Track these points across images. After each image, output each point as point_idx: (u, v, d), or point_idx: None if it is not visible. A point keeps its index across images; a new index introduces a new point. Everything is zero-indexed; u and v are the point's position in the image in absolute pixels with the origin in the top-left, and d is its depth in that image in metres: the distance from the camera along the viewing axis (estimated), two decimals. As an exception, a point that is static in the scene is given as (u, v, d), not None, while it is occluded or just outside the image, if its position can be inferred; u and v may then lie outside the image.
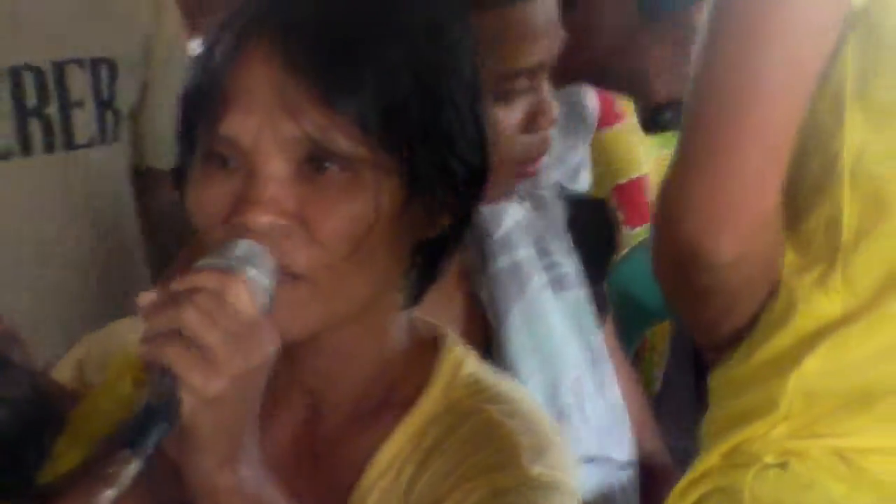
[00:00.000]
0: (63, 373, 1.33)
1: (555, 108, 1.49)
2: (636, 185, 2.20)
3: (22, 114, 2.12)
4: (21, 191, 2.14)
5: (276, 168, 1.09)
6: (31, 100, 2.11)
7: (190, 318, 0.99)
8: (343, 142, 1.10)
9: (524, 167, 1.49)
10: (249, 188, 1.09)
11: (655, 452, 1.72)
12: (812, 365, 1.26)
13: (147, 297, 1.05)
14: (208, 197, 1.13)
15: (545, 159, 1.53)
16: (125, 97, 2.24)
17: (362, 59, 1.12)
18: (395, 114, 1.11)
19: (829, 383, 1.26)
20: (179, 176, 1.19)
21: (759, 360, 1.29)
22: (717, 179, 1.23)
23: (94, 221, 2.21)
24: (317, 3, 1.18)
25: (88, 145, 2.20)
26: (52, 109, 2.14)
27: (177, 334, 1.00)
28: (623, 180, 2.20)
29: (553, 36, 1.51)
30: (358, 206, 1.10)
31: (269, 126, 1.09)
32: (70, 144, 2.16)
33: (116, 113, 2.24)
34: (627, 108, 2.16)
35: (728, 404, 1.33)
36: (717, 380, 1.33)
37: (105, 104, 2.21)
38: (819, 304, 1.26)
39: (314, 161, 1.10)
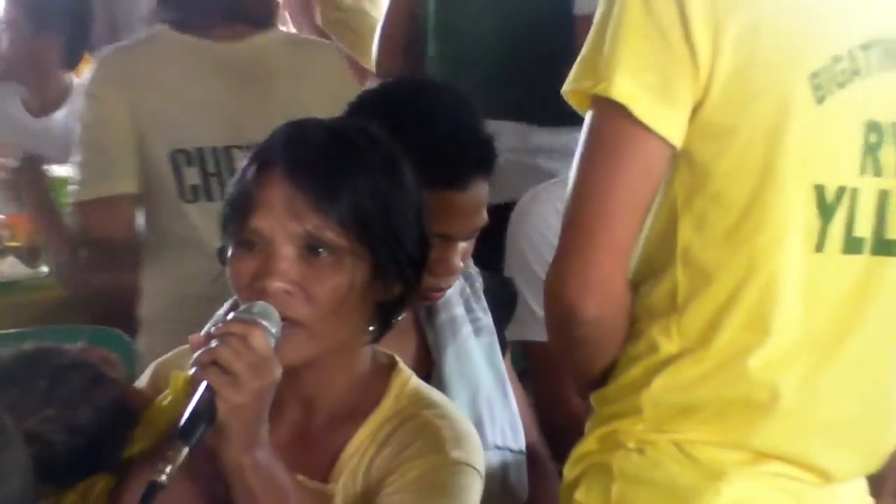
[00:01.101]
0: (143, 383, 1.89)
1: (458, 262, 2.12)
2: None
3: None
4: None
5: (285, 252, 1.65)
6: None
7: (224, 353, 1.54)
8: (331, 236, 1.66)
9: (430, 294, 2.11)
10: (268, 264, 1.65)
11: (536, 443, 2.38)
12: (659, 385, 1.71)
13: (196, 337, 1.62)
14: (240, 269, 1.68)
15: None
16: None
17: (342, 183, 1.68)
18: (364, 220, 1.68)
19: (669, 397, 1.71)
20: (222, 254, 1.72)
21: (624, 382, 1.75)
22: (583, 265, 1.69)
23: None
24: (313, 144, 1.74)
25: None
26: None
27: (215, 363, 1.54)
28: None
29: (479, 218, 2.14)
30: (340, 279, 1.67)
31: (281, 224, 1.65)
32: None
33: None
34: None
35: (603, 409, 1.78)
36: (595, 396, 1.79)
37: None
38: (663, 345, 1.72)
39: (311, 248, 1.66)
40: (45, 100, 4.14)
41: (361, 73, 4.06)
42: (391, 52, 3.32)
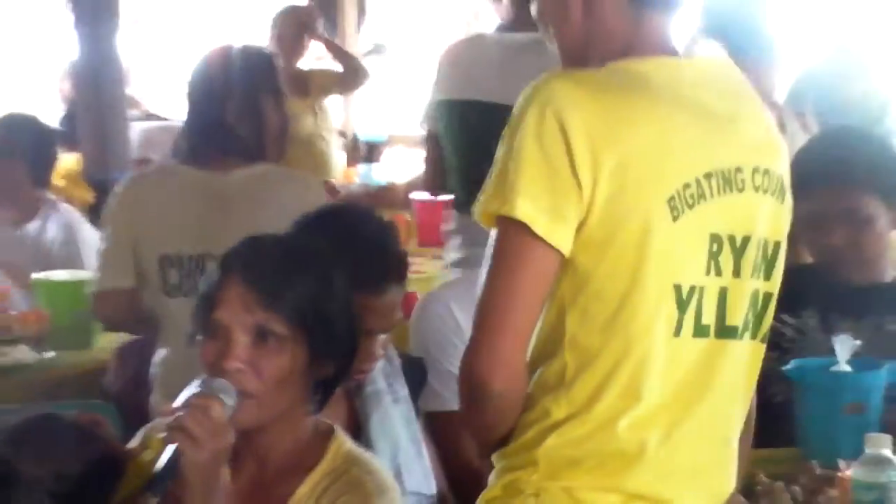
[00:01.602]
0: (135, 443, 2.25)
1: (379, 350, 2.68)
2: None
3: None
4: None
5: (240, 338, 2.07)
6: None
7: (187, 421, 1.96)
8: (276, 327, 2.08)
9: (357, 374, 2.62)
10: (226, 348, 2.08)
11: (443, 489, 2.92)
12: (550, 443, 2.06)
13: (167, 408, 2.04)
14: (205, 352, 2.11)
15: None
16: None
17: (286, 286, 2.11)
18: (303, 315, 2.10)
19: (559, 453, 2.06)
20: (192, 339, 2.16)
21: (522, 441, 2.09)
22: (492, 350, 2.04)
23: None
24: (265, 254, 2.20)
25: None
26: None
27: (181, 428, 1.95)
28: None
29: (394, 316, 2.73)
30: (283, 360, 2.10)
31: (237, 316, 2.08)
32: None
33: None
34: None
35: (504, 463, 2.14)
36: (498, 454, 2.15)
37: None
38: (554, 412, 2.07)
39: (260, 335, 2.07)
40: (18, 214, 4.65)
41: (332, 191, 4.76)
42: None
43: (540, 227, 1.95)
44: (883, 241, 3.24)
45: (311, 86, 6.54)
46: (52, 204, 4.77)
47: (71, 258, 4.51)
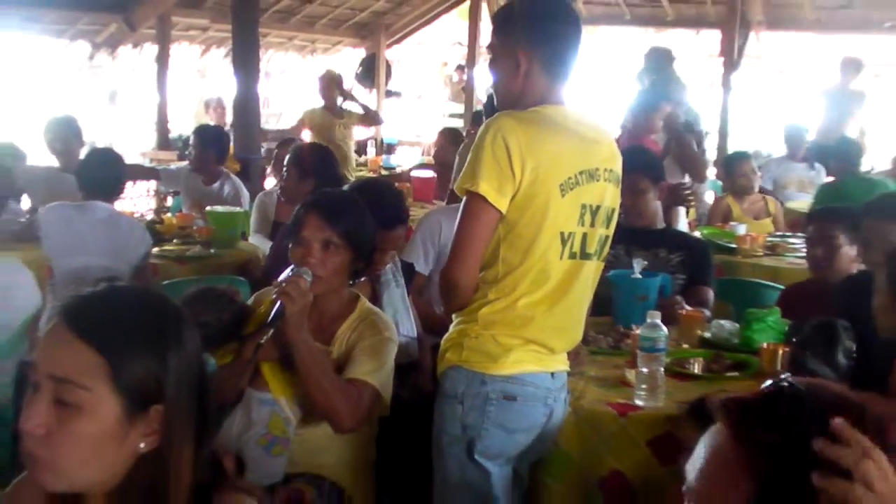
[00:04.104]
0: (250, 301, 3.41)
1: (387, 259, 3.91)
2: None
3: None
4: None
5: (315, 246, 3.28)
6: None
7: (287, 287, 3.08)
8: (335, 240, 3.28)
9: (375, 270, 3.86)
10: (307, 251, 3.26)
11: (421, 334, 4.14)
12: (484, 311, 3.00)
13: (276, 282, 3.15)
14: (295, 252, 3.27)
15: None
16: None
17: (341, 218, 3.30)
18: (350, 235, 3.29)
19: (489, 317, 3.01)
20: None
21: (470, 309, 3.03)
22: (461, 265, 2.98)
23: None
24: (330, 199, 3.34)
25: None
26: None
27: (283, 292, 3.07)
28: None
29: (400, 241, 4.24)
30: (338, 259, 3.31)
31: (313, 234, 3.27)
32: None
33: None
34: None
35: (459, 318, 3.04)
36: (457, 316, 3.11)
37: None
38: (489, 295, 3.02)
39: (326, 245, 3.28)
40: (209, 179, 7.41)
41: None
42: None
43: (490, 197, 2.93)
44: (652, 204, 4.65)
45: (345, 114, 10.33)
46: (227, 174, 7.42)
47: (236, 204, 7.00)
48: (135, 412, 1.71)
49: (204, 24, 12.54)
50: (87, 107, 12.96)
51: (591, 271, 3.21)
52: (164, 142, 11.43)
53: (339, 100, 10.44)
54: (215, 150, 7.38)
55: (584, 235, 3.12)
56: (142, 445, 1.73)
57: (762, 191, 8.20)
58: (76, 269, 4.97)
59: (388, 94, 15.04)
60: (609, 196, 3.18)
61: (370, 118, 11.01)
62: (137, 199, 8.83)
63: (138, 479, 1.73)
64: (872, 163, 9.15)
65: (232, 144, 8.07)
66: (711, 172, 10.84)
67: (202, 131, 7.70)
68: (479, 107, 13.17)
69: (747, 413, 1.48)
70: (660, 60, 9.13)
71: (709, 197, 8.53)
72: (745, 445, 1.46)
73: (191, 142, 7.63)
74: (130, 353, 1.71)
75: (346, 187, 4.32)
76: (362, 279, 3.59)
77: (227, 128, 9.47)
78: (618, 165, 3.23)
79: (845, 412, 1.40)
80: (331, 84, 10.30)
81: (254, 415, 3.19)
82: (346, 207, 3.37)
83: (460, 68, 15.38)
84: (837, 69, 10.95)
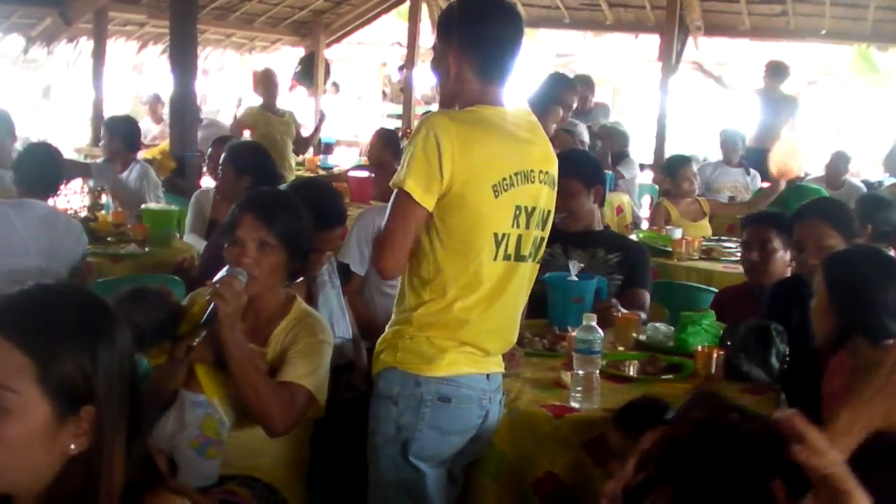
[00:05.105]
0: (185, 302, 3.37)
1: (324, 260, 3.92)
2: None
3: None
4: None
5: (250, 246, 3.23)
6: None
7: (220, 289, 3.05)
8: (271, 240, 3.25)
9: (312, 270, 3.80)
10: (242, 251, 3.24)
11: (356, 336, 4.12)
12: (419, 312, 3.07)
13: (210, 282, 3.12)
14: (229, 252, 3.24)
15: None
16: None
17: (277, 218, 3.26)
18: (286, 235, 3.27)
19: (423, 319, 3.05)
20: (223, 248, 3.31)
21: (404, 309, 3.12)
22: (390, 257, 3.04)
23: None
24: (266, 199, 3.36)
25: None
26: None
27: (217, 294, 3.05)
28: None
29: (336, 241, 4.20)
30: (273, 259, 3.28)
31: (248, 234, 3.25)
32: None
33: None
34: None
35: (394, 319, 3.13)
36: (392, 318, 3.22)
37: None
38: (423, 296, 3.07)
39: (261, 245, 3.25)
40: (122, 167, 7.54)
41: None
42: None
43: (416, 195, 2.98)
44: (586, 207, 4.69)
45: (284, 113, 10.22)
46: (138, 161, 7.59)
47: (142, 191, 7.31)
48: (65, 413, 1.68)
49: (141, 20, 12.41)
50: (20, 102, 12.78)
51: (526, 273, 3.23)
52: (99, 138, 11.27)
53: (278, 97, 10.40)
54: (122, 137, 7.55)
55: (519, 237, 3.14)
56: (72, 447, 1.70)
57: (693, 193, 8.30)
58: (11, 269, 4.85)
59: (335, 86, 15.56)
60: (544, 198, 3.21)
61: (300, 146, 10.86)
62: (72, 197, 8.73)
63: (68, 480, 1.70)
64: (806, 169, 9.26)
65: (168, 142, 7.97)
66: (647, 176, 11.01)
67: (110, 121, 7.94)
68: (418, 107, 13.23)
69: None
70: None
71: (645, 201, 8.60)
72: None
73: (101, 133, 7.95)
74: (59, 353, 1.68)
75: (284, 187, 4.32)
76: (299, 280, 3.58)
77: (162, 124, 9.40)
78: (553, 168, 3.27)
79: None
80: (267, 82, 10.24)
81: (187, 417, 3.19)
82: (282, 207, 3.37)
83: (401, 69, 15.41)
84: (762, 73, 11.07)
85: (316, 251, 3.65)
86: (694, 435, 1.52)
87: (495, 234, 3.08)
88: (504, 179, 3.06)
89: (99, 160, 8.14)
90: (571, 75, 9.13)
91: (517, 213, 3.12)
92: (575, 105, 7.06)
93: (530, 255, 3.21)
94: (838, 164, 9.26)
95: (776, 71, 10.93)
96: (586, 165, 4.97)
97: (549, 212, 3.25)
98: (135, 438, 1.78)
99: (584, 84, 9.68)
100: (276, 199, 3.46)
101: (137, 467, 1.77)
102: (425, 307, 3.10)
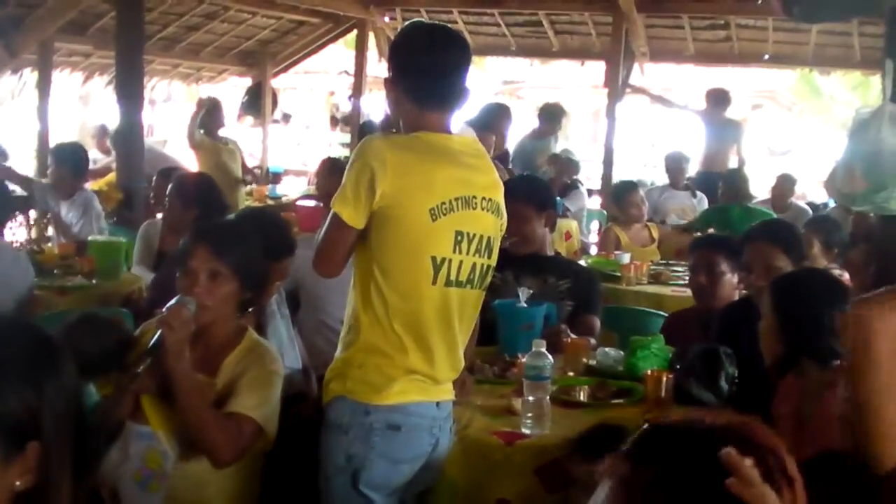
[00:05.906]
0: (137, 332, 3.38)
1: (274, 291, 3.86)
2: None
3: None
4: None
5: (202, 276, 3.21)
6: None
7: (168, 317, 3.04)
8: (222, 270, 3.22)
9: (263, 300, 3.75)
10: (193, 281, 3.20)
11: (307, 365, 4.09)
12: (363, 337, 3.10)
13: (159, 313, 3.11)
14: (181, 282, 3.22)
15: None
16: None
17: (229, 249, 3.26)
18: (238, 265, 3.25)
19: (369, 345, 3.09)
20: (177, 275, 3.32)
21: (350, 335, 3.14)
22: (328, 266, 3.14)
23: None
24: (218, 230, 3.39)
25: None
26: None
27: (165, 322, 3.04)
28: None
29: (286, 272, 4.10)
30: (224, 289, 3.25)
31: (201, 264, 3.21)
32: None
33: None
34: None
35: (342, 346, 3.15)
36: (340, 343, 3.23)
37: None
38: (363, 317, 3.10)
39: (213, 275, 3.23)
40: (67, 195, 7.49)
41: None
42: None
43: (344, 215, 3.07)
44: (538, 232, 4.71)
45: (230, 145, 10.20)
46: (85, 190, 7.65)
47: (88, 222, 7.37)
48: (10, 450, 1.61)
49: (87, 51, 12.37)
50: (-37, 134, 12.69)
51: (471, 300, 3.25)
52: (44, 170, 11.16)
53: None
54: (70, 165, 7.55)
55: (461, 263, 3.17)
56: (17, 484, 1.63)
57: (642, 218, 8.37)
58: None
59: (285, 117, 15.22)
60: (488, 225, 3.23)
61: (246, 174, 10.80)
62: (16, 229, 8.65)
63: None
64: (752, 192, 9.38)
65: (115, 174, 7.95)
66: (596, 202, 11.08)
67: (58, 148, 7.97)
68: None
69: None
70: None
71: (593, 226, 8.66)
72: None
73: (48, 161, 7.98)
74: (2, 389, 1.61)
75: (232, 216, 4.32)
76: (250, 310, 3.57)
77: (110, 156, 9.40)
78: (499, 195, 3.29)
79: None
80: (211, 110, 10.15)
81: (131, 448, 3.16)
82: (235, 238, 3.39)
83: (351, 98, 15.45)
84: (704, 101, 11.21)
85: (269, 280, 3.67)
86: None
87: (433, 258, 3.10)
88: (443, 203, 3.09)
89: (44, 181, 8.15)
90: (531, 103, 9.36)
91: (458, 238, 3.14)
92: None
93: (474, 282, 3.22)
94: (784, 186, 9.37)
95: (717, 99, 11.08)
96: (538, 189, 4.99)
97: (494, 239, 3.27)
98: (82, 474, 1.72)
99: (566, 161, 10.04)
100: (228, 230, 3.48)
101: (85, 502, 1.73)
102: (370, 328, 3.13)
